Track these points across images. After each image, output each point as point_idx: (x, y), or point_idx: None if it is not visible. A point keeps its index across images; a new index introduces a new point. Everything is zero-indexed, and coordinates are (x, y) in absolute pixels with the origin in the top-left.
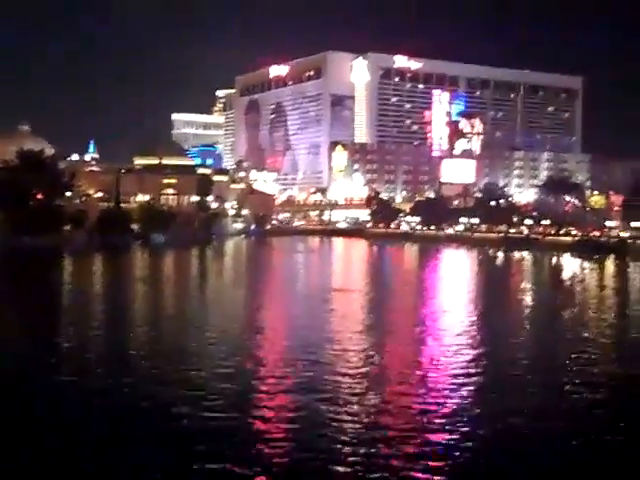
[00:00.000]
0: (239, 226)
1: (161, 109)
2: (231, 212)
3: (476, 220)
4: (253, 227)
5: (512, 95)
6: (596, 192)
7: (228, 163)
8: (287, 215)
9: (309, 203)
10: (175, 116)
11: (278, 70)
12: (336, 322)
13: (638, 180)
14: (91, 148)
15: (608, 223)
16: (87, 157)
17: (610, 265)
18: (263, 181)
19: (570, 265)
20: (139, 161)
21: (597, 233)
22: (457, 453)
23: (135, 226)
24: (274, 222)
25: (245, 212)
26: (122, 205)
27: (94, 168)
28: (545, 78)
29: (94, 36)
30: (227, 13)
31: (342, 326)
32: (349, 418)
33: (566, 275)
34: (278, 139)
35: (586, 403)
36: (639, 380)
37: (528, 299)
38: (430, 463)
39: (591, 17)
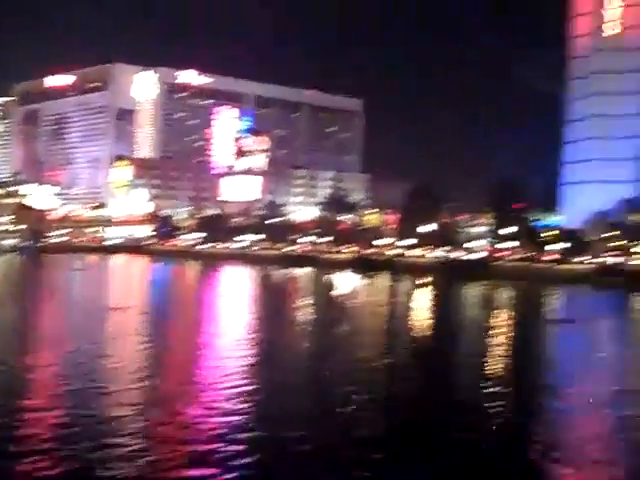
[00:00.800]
0: (12, 242)
1: None
2: (6, 227)
3: (258, 237)
4: (26, 244)
5: (297, 114)
6: (373, 211)
7: (3, 175)
8: (67, 231)
9: (88, 219)
10: None
11: (61, 79)
12: (109, 342)
13: (411, 199)
14: None
15: (384, 241)
16: None
17: (381, 281)
18: (40, 195)
19: (342, 281)
20: None
21: (371, 250)
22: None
23: None
24: (52, 239)
25: (21, 228)
26: None
27: None
28: (328, 99)
29: None
30: (10, 15)
31: (115, 345)
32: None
33: (336, 291)
34: (58, 152)
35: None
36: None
37: (299, 315)
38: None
39: (369, 39)
